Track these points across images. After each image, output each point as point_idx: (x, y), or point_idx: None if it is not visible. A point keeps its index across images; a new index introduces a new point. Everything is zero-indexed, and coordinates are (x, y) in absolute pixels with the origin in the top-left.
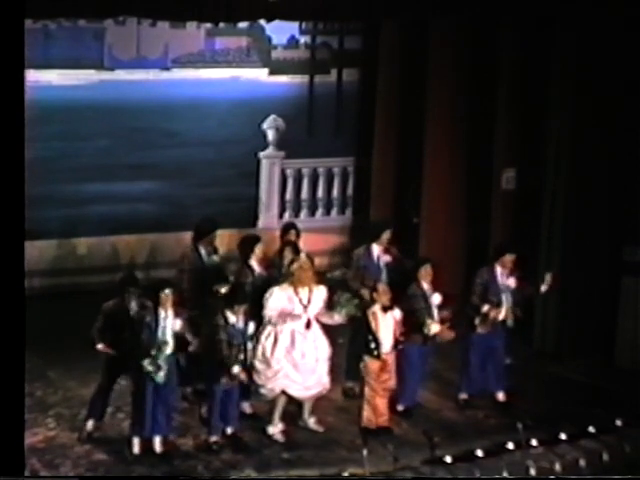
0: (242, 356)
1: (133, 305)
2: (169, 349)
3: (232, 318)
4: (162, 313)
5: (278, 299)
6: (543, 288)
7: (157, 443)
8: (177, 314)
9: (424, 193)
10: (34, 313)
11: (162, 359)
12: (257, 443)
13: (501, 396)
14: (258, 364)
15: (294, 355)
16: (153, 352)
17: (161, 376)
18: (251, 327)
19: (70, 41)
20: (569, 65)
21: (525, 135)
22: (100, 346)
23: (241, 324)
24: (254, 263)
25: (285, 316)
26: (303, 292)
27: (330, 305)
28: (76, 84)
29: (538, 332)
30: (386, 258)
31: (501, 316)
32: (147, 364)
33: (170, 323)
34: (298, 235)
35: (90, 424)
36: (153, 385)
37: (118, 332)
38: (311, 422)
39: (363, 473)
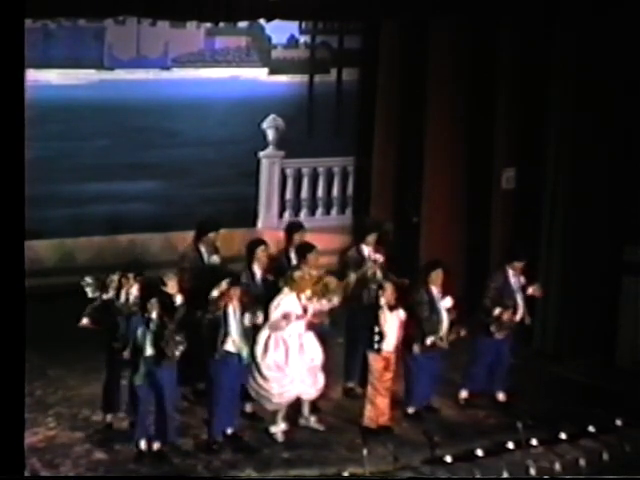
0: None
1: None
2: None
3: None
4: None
5: (289, 304)
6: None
7: (157, 443)
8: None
9: (424, 193)
10: (34, 313)
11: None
12: (257, 443)
13: (501, 396)
14: (270, 374)
15: (304, 359)
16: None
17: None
18: (247, 318)
19: (70, 41)
20: (569, 65)
21: (525, 135)
22: (85, 321)
23: (237, 314)
24: (256, 267)
25: (291, 319)
26: (303, 296)
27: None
28: (76, 84)
29: (538, 332)
30: (377, 257)
31: (518, 317)
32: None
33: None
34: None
35: (109, 417)
36: (153, 384)
37: (114, 318)
38: (312, 421)
39: (363, 473)
